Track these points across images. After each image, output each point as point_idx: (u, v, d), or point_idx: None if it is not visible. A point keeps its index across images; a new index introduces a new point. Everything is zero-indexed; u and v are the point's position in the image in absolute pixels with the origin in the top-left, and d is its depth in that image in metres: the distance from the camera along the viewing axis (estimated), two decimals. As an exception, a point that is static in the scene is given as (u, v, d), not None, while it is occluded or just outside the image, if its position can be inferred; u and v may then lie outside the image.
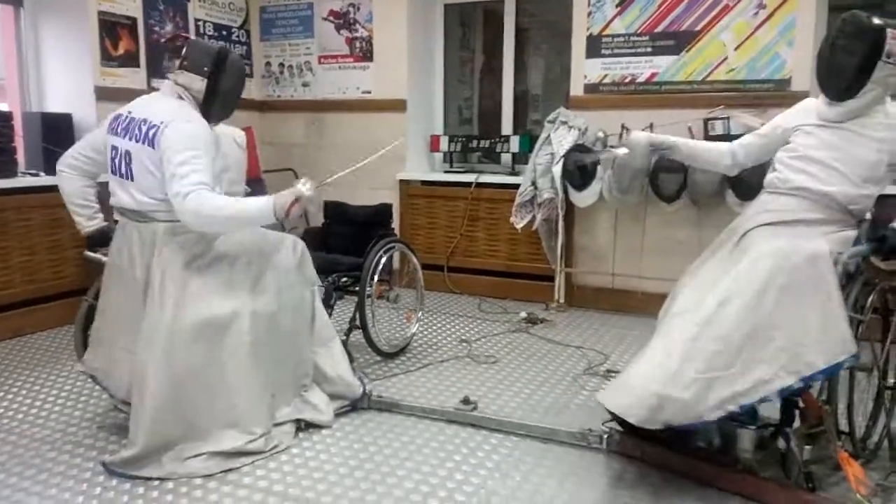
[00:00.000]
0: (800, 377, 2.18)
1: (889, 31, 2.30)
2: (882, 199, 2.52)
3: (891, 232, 2.38)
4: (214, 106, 2.64)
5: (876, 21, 2.32)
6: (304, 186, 2.51)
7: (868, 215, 2.54)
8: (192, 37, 2.38)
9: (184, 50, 2.66)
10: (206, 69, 2.60)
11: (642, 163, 2.76)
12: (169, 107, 2.58)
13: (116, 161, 2.59)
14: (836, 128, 2.43)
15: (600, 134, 4.57)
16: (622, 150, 2.86)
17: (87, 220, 2.76)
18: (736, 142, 2.77)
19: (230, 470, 2.45)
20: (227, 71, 2.64)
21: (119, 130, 2.59)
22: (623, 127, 2.83)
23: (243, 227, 2.61)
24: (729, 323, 2.25)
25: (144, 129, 2.53)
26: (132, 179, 2.55)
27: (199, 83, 2.61)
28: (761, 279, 2.26)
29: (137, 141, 2.53)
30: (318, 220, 2.59)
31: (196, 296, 2.51)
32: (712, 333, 2.26)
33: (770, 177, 2.57)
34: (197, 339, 2.48)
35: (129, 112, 2.61)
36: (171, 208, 2.48)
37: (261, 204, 2.50)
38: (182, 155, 2.45)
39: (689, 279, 2.55)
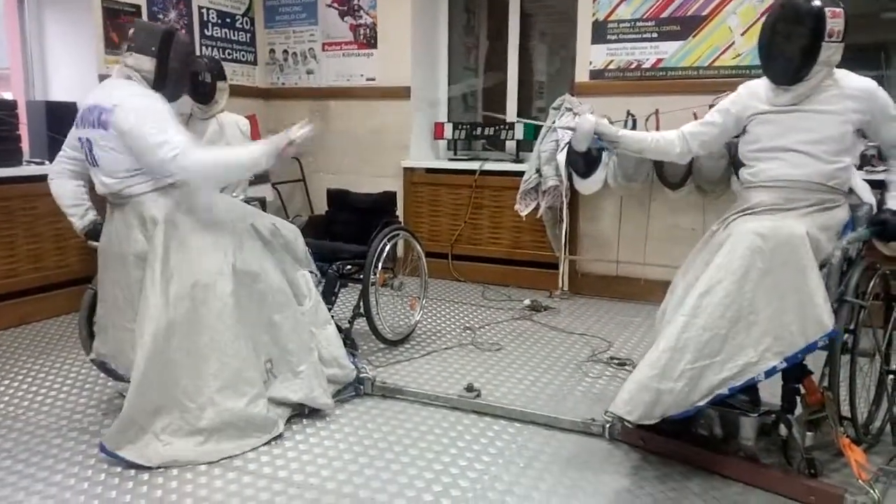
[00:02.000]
0: (783, 357, 2.20)
1: (827, 10, 2.30)
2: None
3: (890, 215, 2.37)
4: (166, 85, 2.66)
5: (814, 3, 2.32)
6: (295, 129, 2.66)
7: (870, 199, 2.53)
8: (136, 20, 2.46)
9: (130, 32, 2.68)
10: (153, 49, 2.62)
11: (582, 147, 2.74)
12: (116, 87, 2.62)
13: (84, 151, 2.65)
14: (793, 110, 2.42)
15: (605, 121, 4.55)
16: (566, 132, 2.87)
17: (80, 219, 2.81)
18: (685, 130, 2.70)
19: (234, 456, 2.46)
20: (174, 49, 2.66)
21: (80, 122, 2.65)
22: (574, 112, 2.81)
23: (244, 172, 2.68)
24: (713, 311, 2.26)
25: (96, 113, 2.57)
26: (97, 165, 2.61)
27: (147, 63, 2.63)
28: (741, 265, 2.26)
29: (93, 127, 2.58)
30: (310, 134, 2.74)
31: (182, 259, 2.55)
32: (699, 323, 2.26)
33: (743, 173, 2.57)
34: (182, 299, 2.50)
35: (86, 103, 2.66)
36: (138, 180, 2.55)
37: (258, 149, 2.62)
38: (151, 126, 2.49)
39: (683, 275, 2.55)
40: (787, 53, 2.36)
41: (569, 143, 4.47)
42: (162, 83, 2.65)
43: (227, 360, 2.54)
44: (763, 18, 4.13)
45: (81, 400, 2.97)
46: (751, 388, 2.32)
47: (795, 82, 2.39)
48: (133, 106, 2.52)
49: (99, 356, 2.76)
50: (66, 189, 2.79)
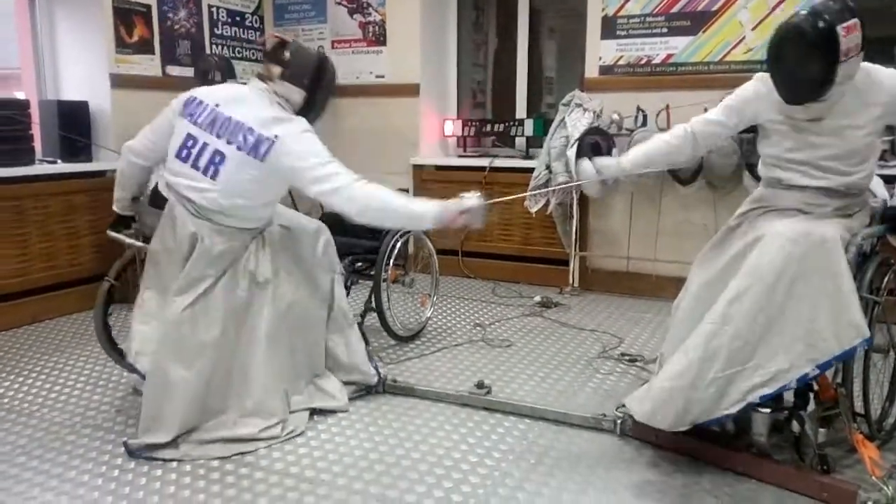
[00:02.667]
0: (816, 364, 2.16)
1: (839, 28, 2.09)
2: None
3: None
4: (310, 116, 2.63)
5: (822, 25, 2.11)
6: (470, 200, 2.49)
7: (884, 193, 2.50)
8: (291, 40, 2.37)
9: (285, 55, 2.58)
10: (306, 81, 2.59)
11: (595, 192, 2.69)
12: (275, 117, 2.53)
13: (194, 152, 2.51)
14: (808, 129, 2.31)
15: (615, 116, 4.54)
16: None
17: (127, 203, 2.76)
18: (695, 130, 2.53)
19: (246, 453, 2.47)
20: (325, 81, 2.64)
21: (200, 121, 2.53)
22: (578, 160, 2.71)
23: (402, 224, 2.66)
24: (743, 318, 2.22)
25: (251, 139, 2.47)
26: (215, 179, 2.49)
27: (297, 95, 2.60)
28: (772, 270, 2.21)
29: (239, 148, 2.48)
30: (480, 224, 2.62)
31: (218, 277, 2.53)
32: (729, 331, 2.22)
33: (764, 173, 2.50)
34: (218, 325, 2.50)
35: (216, 105, 2.54)
36: (238, 214, 2.51)
37: (427, 208, 2.50)
38: (319, 158, 2.49)
39: (699, 269, 2.51)
40: (800, 79, 2.20)
41: (578, 139, 4.47)
42: (307, 114, 2.62)
43: (253, 387, 2.57)
44: (775, 11, 4.16)
45: (95, 397, 2.99)
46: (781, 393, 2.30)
47: (813, 101, 2.25)
48: (301, 141, 2.50)
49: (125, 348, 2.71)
50: (133, 170, 2.72)
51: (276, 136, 2.47)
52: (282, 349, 2.67)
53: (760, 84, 2.41)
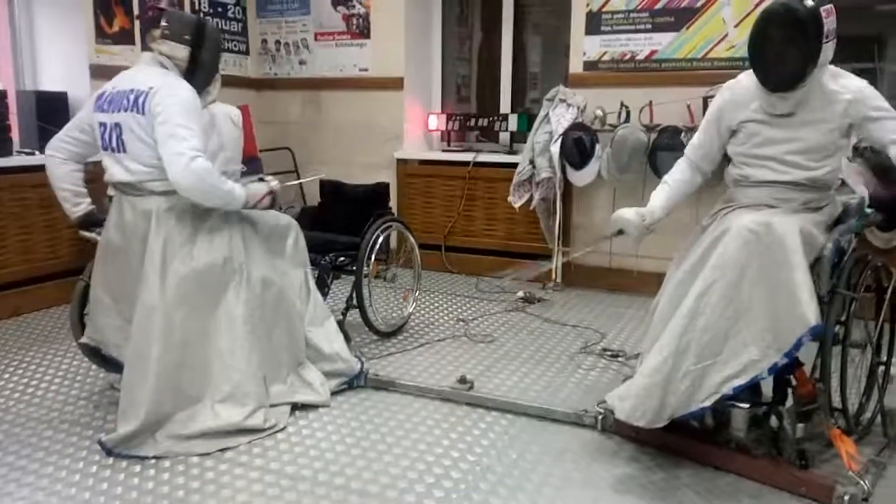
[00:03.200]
0: (783, 353, 2.20)
1: (822, 10, 2.23)
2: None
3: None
4: (198, 75, 2.65)
5: (809, 3, 2.23)
6: (274, 183, 2.78)
7: (861, 190, 2.53)
8: (168, 7, 2.47)
9: (162, 20, 2.65)
10: (187, 37, 2.62)
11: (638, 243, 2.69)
12: (156, 73, 2.59)
13: (106, 136, 2.59)
14: (781, 123, 2.37)
15: (599, 112, 4.55)
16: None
17: (74, 206, 2.78)
18: (692, 158, 2.63)
19: (227, 448, 2.46)
20: (207, 39, 2.66)
21: (105, 106, 2.59)
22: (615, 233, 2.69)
23: (223, 203, 2.59)
24: (712, 310, 2.26)
25: (132, 97, 2.53)
26: (125, 151, 2.55)
27: (182, 51, 2.62)
28: (737, 263, 2.26)
29: (125, 110, 2.53)
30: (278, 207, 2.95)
31: (189, 259, 2.54)
32: (700, 324, 2.27)
33: (731, 171, 2.55)
34: (194, 308, 2.50)
35: (114, 87, 2.61)
36: (166, 177, 2.49)
37: (239, 192, 2.63)
38: (181, 118, 2.47)
39: (674, 269, 2.54)
40: (789, 59, 2.26)
41: (562, 134, 4.47)
42: (194, 72, 2.64)
43: (232, 372, 2.55)
44: (756, 11, 4.17)
45: (73, 392, 2.96)
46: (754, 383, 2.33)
47: (796, 87, 2.30)
48: (174, 94, 2.50)
49: (93, 341, 2.73)
50: (62, 170, 2.75)
51: (150, 87, 2.51)
52: (258, 334, 2.66)
53: (727, 92, 2.53)
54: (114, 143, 2.57)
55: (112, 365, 2.76)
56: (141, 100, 2.50)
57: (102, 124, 2.60)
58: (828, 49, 2.27)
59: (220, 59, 2.85)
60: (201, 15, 5.18)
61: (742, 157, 2.50)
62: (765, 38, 2.31)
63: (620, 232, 2.62)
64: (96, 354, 2.79)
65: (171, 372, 2.46)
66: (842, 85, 2.34)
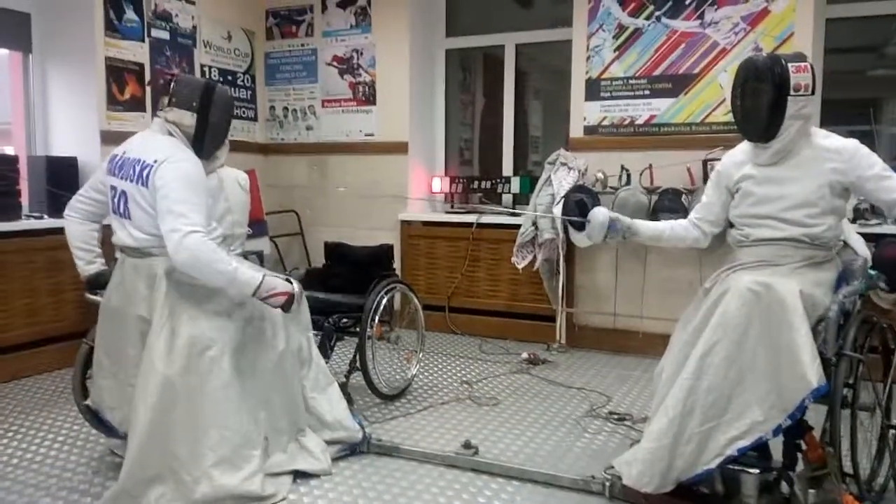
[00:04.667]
0: (787, 415, 2.19)
1: (790, 65, 2.37)
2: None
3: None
4: (205, 140, 2.68)
5: (775, 58, 2.42)
6: (296, 286, 2.66)
7: (865, 252, 2.54)
8: (179, 73, 2.46)
9: (171, 86, 2.69)
10: (194, 104, 2.64)
11: (598, 239, 2.71)
12: (161, 145, 2.62)
13: (115, 200, 2.64)
14: (771, 178, 2.46)
15: (600, 175, 4.61)
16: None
17: (87, 265, 2.81)
18: (694, 217, 2.73)
19: (226, 516, 2.41)
20: (215, 103, 2.68)
21: (115, 170, 2.64)
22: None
23: (227, 284, 2.53)
24: (716, 371, 2.27)
25: (138, 168, 2.57)
26: (129, 218, 2.60)
27: (189, 118, 2.65)
28: (739, 323, 2.28)
29: (131, 181, 2.57)
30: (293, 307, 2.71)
31: (188, 321, 2.52)
32: (703, 386, 2.27)
33: (733, 233, 2.61)
34: (187, 370, 2.47)
35: (125, 152, 2.66)
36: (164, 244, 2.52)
37: (251, 275, 2.54)
38: (179, 193, 2.49)
39: (679, 331, 2.54)
40: (755, 111, 2.42)
41: (564, 197, 4.52)
42: (202, 138, 2.67)
43: (227, 433, 2.50)
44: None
45: (72, 458, 2.92)
46: (760, 445, 2.30)
47: (769, 139, 2.43)
48: (176, 169, 2.52)
49: (94, 404, 2.72)
50: (79, 230, 2.81)
51: (155, 161, 2.54)
52: (257, 398, 2.63)
53: (725, 157, 2.68)
54: (121, 209, 2.62)
55: (108, 429, 2.74)
56: (145, 173, 2.54)
57: (113, 188, 2.65)
58: (801, 102, 2.37)
59: (231, 122, 2.86)
60: (209, 78, 5.30)
61: (741, 219, 2.55)
62: (736, 91, 2.50)
63: (583, 217, 2.75)
64: (96, 418, 2.77)
65: (160, 433, 2.41)
66: (832, 142, 2.43)
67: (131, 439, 2.43)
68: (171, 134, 2.66)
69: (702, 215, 2.70)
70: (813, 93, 2.39)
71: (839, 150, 2.40)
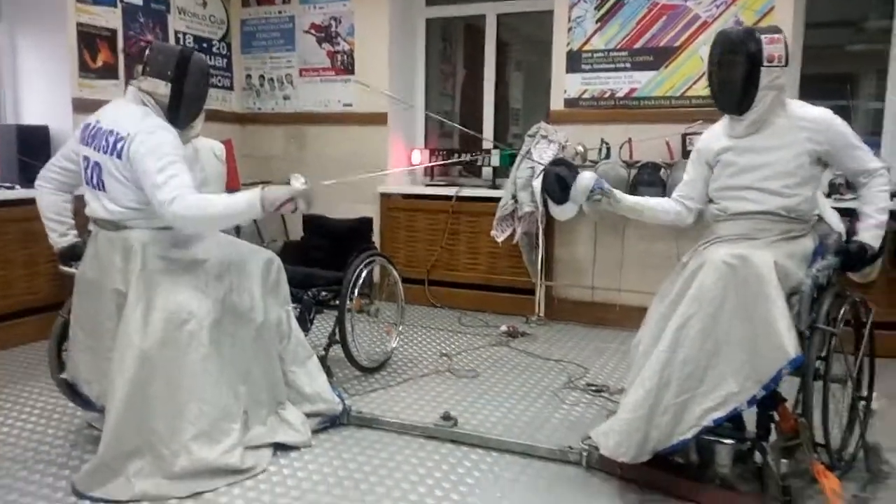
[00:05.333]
0: (761, 385, 2.23)
1: (764, 36, 2.40)
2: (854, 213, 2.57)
3: (856, 247, 2.43)
4: (180, 110, 2.62)
5: (749, 30, 2.48)
6: (297, 182, 2.48)
7: (840, 226, 2.58)
8: (153, 41, 2.35)
9: (146, 54, 2.62)
10: (169, 73, 2.58)
11: (580, 200, 2.70)
12: (134, 116, 2.56)
13: (88, 171, 2.59)
14: (749, 148, 2.49)
15: (580, 148, 4.61)
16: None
17: (60, 237, 2.76)
18: (676, 195, 2.73)
19: (206, 491, 2.41)
20: (190, 73, 2.61)
21: (88, 140, 2.59)
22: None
23: (233, 222, 2.56)
24: (691, 343, 2.30)
25: (112, 140, 2.52)
26: (104, 190, 2.55)
27: (163, 88, 2.58)
28: (714, 296, 2.30)
29: (105, 152, 2.53)
30: (308, 210, 2.61)
31: (165, 295, 2.50)
32: (679, 356, 2.30)
33: (711, 208, 2.64)
34: (165, 343, 2.45)
35: (98, 121, 2.61)
36: (143, 216, 2.50)
37: (249, 197, 2.46)
38: (158, 163, 2.44)
39: (656, 304, 2.57)
40: (730, 82, 2.45)
41: (544, 169, 4.51)
42: (177, 107, 2.61)
43: (206, 407, 2.48)
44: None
45: (49, 431, 2.89)
46: (735, 416, 2.35)
47: (744, 111, 2.46)
48: (147, 141, 2.47)
49: (71, 377, 2.70)
50: (51, 200, 2.74)
51: (128, 133, 2.50)
52: (236, 371, 2.62)
53: (704, 132, 2.73)
54: (94, 181, 2.57)
55: (85, 402, 2.73)
56: (119, 146, 2.50)
57: (86, 158, 2.59)
58: (775, 73, 2.41)
59: (207, 92, 2.79)
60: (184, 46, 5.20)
61: (720, 192, 2.58)
62: (711, 63, 2.54)
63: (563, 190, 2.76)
64: (72, 391, 2.74)
65: (137, 407, 2.40)
66: (807, 112, 2.48)
67: (109, 413, 2.41)
68: (144, 104, 2.60)
69: (684, 192, 2.72)
70: (786, 64, 2.43)
71: (815, 119, 2.45)
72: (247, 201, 2.45)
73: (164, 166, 2.44)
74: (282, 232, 5.61)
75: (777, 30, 2.46)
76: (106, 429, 2.40)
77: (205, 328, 2.53)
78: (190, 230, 2.54)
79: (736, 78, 2.42)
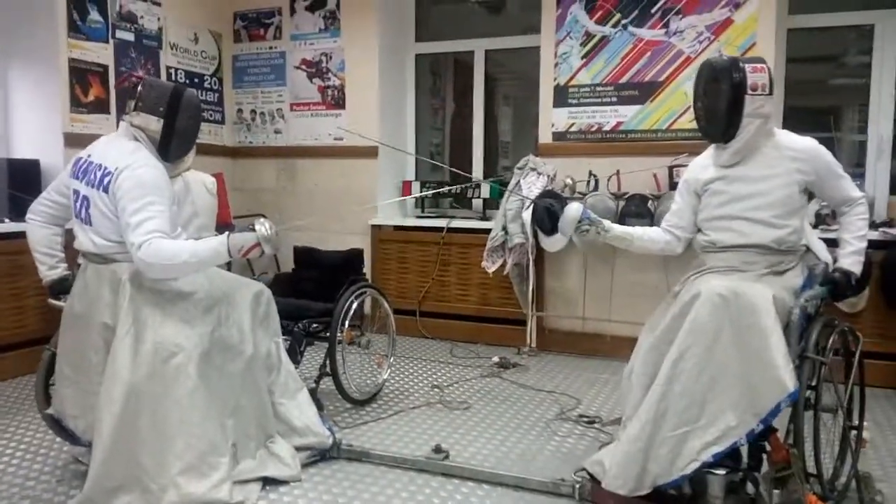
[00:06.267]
0: (759, 419, 2.23)
1: (747, 65, 2.44)
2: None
3: (840, 275, 2.46)
4: (171, 145, 2.63)
5: (730, 59, 2.51)
6: (262, 228, 2.48)
7: (826, 257, 2.60)
8: (145, 76, 2.38)
9: (138, 90, 2.63)
10: (161, 109, 2.59)
11: (569, 231, 2.71)
12: (123, 151, 2.57)
13: (77, 205, 2.60)
14: (738, 178, 2.52)
15: (568, 180, 4.65)
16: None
17: (49, 269, 2.75)
18: (665, 225, 2.75)
19: (195, 524, 2.38)
20: (182, 109, 2.62)
21: (79, 174, 2.60)
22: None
23: (199, 269, 2.56)
24: (688, 376, 2.31)
25: (99, 174, 2.54)
26: (91, 224, 2.56)
27: (154, 124, 2.60)
28: (710, 329, 2.31)
29: (93, 186, 2.55)
30: (273, 254, 2.63)
31: (154, 328, 2.48)
32: (676, 390, 2.31)
33: (700, 238, 2.65)
34: (152, 376, 2.43)
35: (89, 156, 2.63)
36: (128, 250, 2.49)
37: (215, 244, 2.49)
38: (136, 203, 2.45)
39: (647, 334, 2.58)
40: (714, 110, 2.49)
41: (533, 201, 4.55)
42: (168, 143, 2.61)
43: (193, 441, 2.46)
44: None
45: (35, 466, 2.85)
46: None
47: (729, 139, 2.49)
48: (132, 176, 2.48)
49: (57, 413, 2.67)
50: (41, 234, 2.74)
51: (116, 168, 2.52)
52: (225, 404, 2.60)
53: (691, 164, 2.74)
54: (82, 214, 2.59)
55: (72, 437, 2.69)
56: (106, 180, 2.52)
57: (76, 192, 2.61)
58: (759, 101, 2.44)
59: (199, 127, 2.81)
60: (178, 83, 5.25)
61: (708, 222, 2.60)
62: (696, 93, 2.59)
63: (552, 222, 2.73)
64: (59, 426, 2.71)
65: (125, 441, 2.37)
66: (794, 141, 2.52)
67: (96, 447, 2.38)
68: (136, 139, 2.61)
69: (673, 222, 2.74)
70: (771, 93, 2.47)
71: (802, 149, 2.49)
72: (213, 249, 2.48)
73: (141, 207, 2.44)
74: (273, 263, 5.61)
75: (761, 60, 2.51)
76: (93, 464, 2.37)
77: (193, 361, 2.51)
78: (156, 276, 2.51)
79: (721, 106, 2.46)
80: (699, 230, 2.66)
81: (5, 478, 2.74)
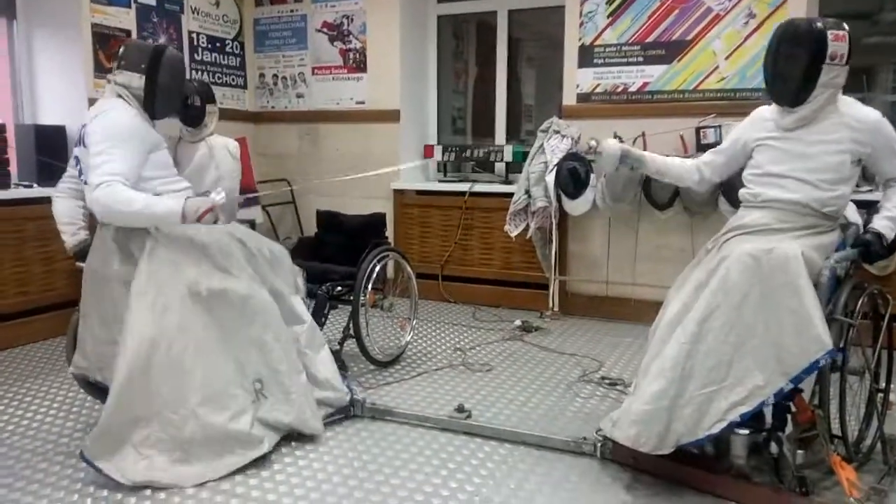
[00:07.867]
0: (789, 378, 2.20)
1: (829, 32, 2.33)
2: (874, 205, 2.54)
3: (873, 237, 2.41)
4: (157, 102, 2.68)
5: (816, 25, 2.37)
6: (217, 196, 2.57)
7: (857, 219, 2.55)
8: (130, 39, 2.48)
9: (121, 51, 2.71)
10: (143, 66, 2.64)
11: (609, 170, 2.75)
12: (101, 106, 2.65)
13: (77, 169, 2.69)
14: (794, 138, 2.45)
15: (592, 143, 4.57)
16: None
17: (71, 237, 2.82)
18: (699, 159, 2.78)
19: (222, 478, 2.43)
20: (163, 65, 2.67)
21: (78, 140, 2.67)
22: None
23: (149, 223, 2.56)
24: (715, 336, 2.28)
25: (84, 130, 2.61)
26: (87, 183, 2.59)
27: (137, 80, 2.65)
28: (739, 289, 2.28)
29: (78, 144, 2.63)
30: (227, 222, 2.83)
31: (169, 273, 2.54)
32: (703, 349, 2.28)
33: (742, 192, 2.60)
34: (168, 317, 2.48)
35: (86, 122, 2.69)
36: None
37: (171, 203, 2.51)
38: (99, 146, 2.50)
39: (675, 292, 2.55)
40: (788, 75, 2.39)
41: (557, 164, 4.51)
42: (151, 100, 2.66)
43: (210, 374, 2.51)
44: (748, 42, 4.26)
45: (68, 423, 2.93)
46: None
47: (797, 104, 2.41)
48: (99, 122, 2.56)
49: (79, 370, 2.73)
50: (64, 207, 2.82)
51: (91, 119, 2.58)
52: (242, 341, 2.64)
53: (755, 113, 2.64)
54: (81, 176, 2.66)
55: (101, 393, 2.74)
56: (83, 133, 2.59)
57: (75, 157, 2.70)
58: (835, 71, 2.35)
59: (183, 85, 2.84)
60: (199, 49, 5.26)
61: (756, 177, 2.54)
62: (772, 52, 2.45)
63: (594, 150, 2.85)
64: (88, 384, 2.78)
65: (141, 375, 2.41)
66: (857, 111, 2.43)
67: (113, 382, 2.42)
68: (120, 96, 2.66)
69: (709, 160, 2.73)
70: (847, 63, 2.37)
71: (864, 120, 2.41)
72: (169, 207, 2.50)
73: (103, 150, 2.49)
74: (296, 228, 5.65)
75: (842, 26, 2.37)
76: (110, 397, 2.41)
77: (203, 300, 2.56)
78: (104, 219, 2.56)
79: (796, 72, 2.36)
80: (742, 185, 2.60)
81: (40, 434, 2.83)
